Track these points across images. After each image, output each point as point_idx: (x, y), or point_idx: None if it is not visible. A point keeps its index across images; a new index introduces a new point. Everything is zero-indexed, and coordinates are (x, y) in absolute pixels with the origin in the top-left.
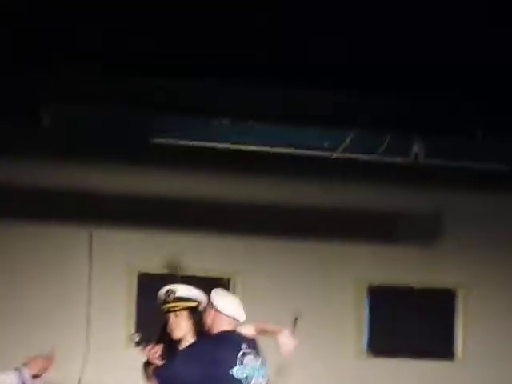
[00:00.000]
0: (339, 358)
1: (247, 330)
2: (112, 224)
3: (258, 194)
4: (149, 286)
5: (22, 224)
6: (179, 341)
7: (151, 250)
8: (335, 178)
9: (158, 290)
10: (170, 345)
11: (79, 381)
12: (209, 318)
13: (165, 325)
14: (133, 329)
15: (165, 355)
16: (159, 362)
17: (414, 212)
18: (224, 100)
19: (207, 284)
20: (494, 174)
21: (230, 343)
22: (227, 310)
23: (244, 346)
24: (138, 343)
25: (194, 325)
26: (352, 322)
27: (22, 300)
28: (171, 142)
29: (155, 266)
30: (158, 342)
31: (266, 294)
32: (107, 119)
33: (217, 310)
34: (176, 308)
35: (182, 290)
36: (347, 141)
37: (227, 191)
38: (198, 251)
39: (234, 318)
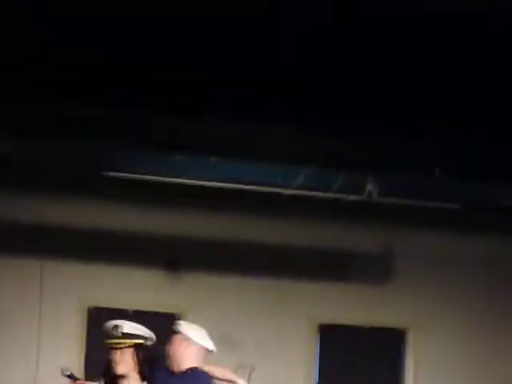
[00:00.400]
0: None
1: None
2: (63, 257)
3: (210, 229)
4: (100, 319)
5: None
6: (122, 377)
7: (103, 283)
8: (288, 214)
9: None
10: (113, 381)
11: None
12: (178, 349)
13: (109, 360)
14: (82, 363)
15: None
16: None
17: (367, 250)
18: (184, 135)
19: (158, 319)
20: (447, 213)
21: (196, 380)
22: (200, 340)
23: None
24: (68, 377)
25: (138, 362)
26: (303, 359)
27: None
28: (128, 176)
29: (106, 300)
30: (102, 377)
31: (217, 330)
32: (64, 151)
33: (189, 341)
34: (122, 345)
35: (130, 326)
36: (300, 178)
37: (179, 227)
38: (150, 286)
39: (207, 349)
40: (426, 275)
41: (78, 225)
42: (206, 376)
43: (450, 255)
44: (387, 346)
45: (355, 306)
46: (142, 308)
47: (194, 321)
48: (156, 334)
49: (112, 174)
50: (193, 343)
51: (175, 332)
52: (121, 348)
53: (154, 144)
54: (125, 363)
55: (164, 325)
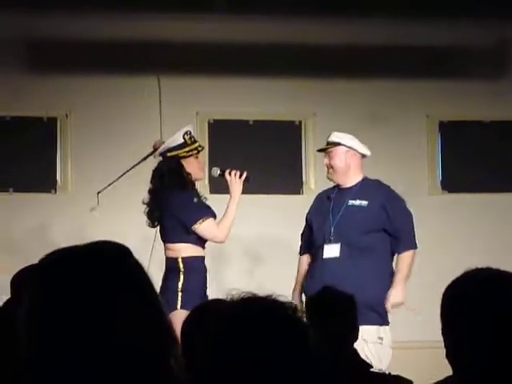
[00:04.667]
0: (414, 195)
1: None
2: (181, 71)
3: (329, 33)
4: (220, 132)
5: (92, 75)
6: None
7: (221, 96)
8: (401, 16)
9: (229, 136)
10: None
11: None
12: (341, 161)
13: None
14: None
15: None
16: None
17: (480, 44)
18: None
19: (277, 128)
20: None
21: (378, 187)
22: (360, 147)
23: None
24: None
25: None
26: (425, 159)
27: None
28: None
29: (226, 113)
30: None
31: None
32: None
33: (351, 150)
34: None
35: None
36: None
37: (296, 32)
38: (267, 95)
39: (366, 155)
40: None
41: (195, 37)
42: (381, 183)
43: None
44: (509, 138)
45: (473, 102)
46: (261, 118)
47: (314, 129)
48: (280, 143)
49: None
50: (355, 152)
51: (330, 143)
52: None
53: None
54: None
55: (285, 133)
